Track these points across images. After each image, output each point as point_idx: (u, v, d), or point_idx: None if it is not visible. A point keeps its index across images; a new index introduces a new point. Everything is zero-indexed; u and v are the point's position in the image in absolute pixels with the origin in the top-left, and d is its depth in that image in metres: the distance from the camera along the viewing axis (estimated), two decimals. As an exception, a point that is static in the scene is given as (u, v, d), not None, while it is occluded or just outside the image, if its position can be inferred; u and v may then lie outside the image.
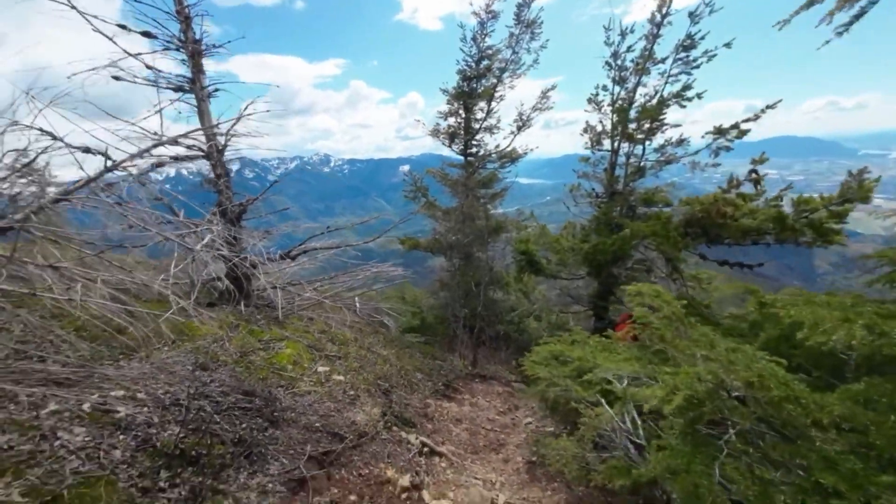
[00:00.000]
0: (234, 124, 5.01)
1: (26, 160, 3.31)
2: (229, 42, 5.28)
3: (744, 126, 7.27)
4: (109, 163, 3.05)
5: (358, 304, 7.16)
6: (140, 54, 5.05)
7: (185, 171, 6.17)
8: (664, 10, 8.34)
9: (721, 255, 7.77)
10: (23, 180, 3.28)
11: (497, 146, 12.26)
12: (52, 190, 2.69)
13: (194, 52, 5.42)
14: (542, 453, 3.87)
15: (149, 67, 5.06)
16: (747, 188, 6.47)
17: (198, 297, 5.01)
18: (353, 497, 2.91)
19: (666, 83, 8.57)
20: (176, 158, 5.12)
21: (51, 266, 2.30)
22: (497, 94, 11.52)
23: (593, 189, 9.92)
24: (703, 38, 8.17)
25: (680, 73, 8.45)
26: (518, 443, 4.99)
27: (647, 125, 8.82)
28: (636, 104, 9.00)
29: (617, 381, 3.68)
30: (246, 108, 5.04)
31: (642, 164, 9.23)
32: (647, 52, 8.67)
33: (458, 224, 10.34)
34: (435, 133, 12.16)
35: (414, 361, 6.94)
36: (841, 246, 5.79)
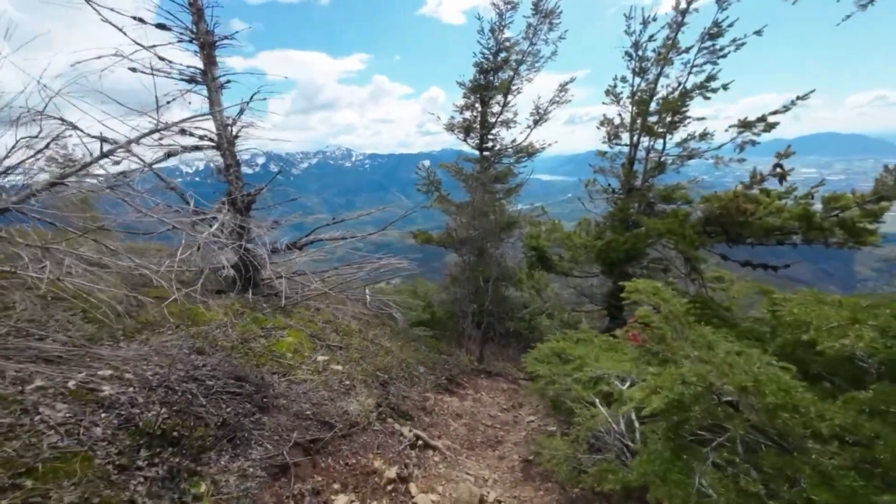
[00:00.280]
0: (241, 113, 5.06)
1: (40, 146, 3.46)
2: (237, 32, 5.34)
3: (772, 119, 6.83)
4: (106, 147, 3.13)
5: (368, 296, 7.20)
6: (154, 46, 5.17)
7: (212, 164, 6.26)
8: (690, -3, 7.93)
9: (745, 256, 7.37)
10: (39, 164, 3.44)
11: (513, 140, 12.06)
12: (44, 176, 2.77)
13: (206, 44, 5.51)
14: (537, 452, 3.77)
15: (161, 59, 5.18)
16: (772, 184, 6.08)
17: (206, 284, 5.14)
18: (336, 486, 2.90)
19: (689, 74, 8.16)
20: (186, 148, 5.25)
21: (42, 247, 2.38)
22: (514, 88, 11.31)
23: (609, 185, 9.59)
24: (731, 25, 7.72)
25: (705, 62, 8.03)
26: (517, 440, 4.89)
27: (668, 118, 8.44)
28: (657, 96, 8.62)
29: (618, 381, 3.54)
30: (252, 98, 5.08)
31: (662, 159, 8.85)
32: (670, 42, 8.28)
33: (471, 219, 10.23)
34: (450, 127, 12.06)
35: (418, 355, 6.92)
36: (875, 247, 5.37)
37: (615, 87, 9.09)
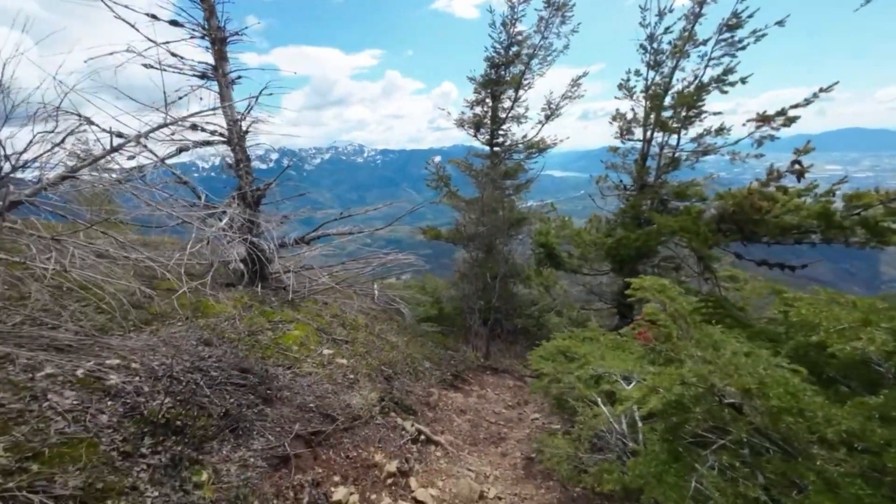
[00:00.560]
0: (249, 109, 5.11)
1: (57, 140, 3.56)
2: (247, 28, 5.37)
3: (792, 113, 6.59)
4: (117, 142, 3.19)
5: (376, 291, 7.24)
6: (167, 42, 5.25)
7: (224, 160, 6.35)
8: (708, -13, 7.68)
9: (762, 255, 7.16)
10: (58, 158, 3.54)
11: (524, 136, 11.93)
12: (55, 171, 2.85)
13: (217, 39, 5.57)
14: (539, 450, 3.75)
15: (174, 55, 5.26)
16: (791, 181, 5.87)
17: (215, 277, 5.23)
18: (336, 478, 2.93)
19: (706, 67, 7.93)
20: (197, 143, 5.33)
21: (51, 238, 2.45)
22: (525, 82, 11.17)
23: (621, 181, 9.41)
24: (751, 16, 7.46)
25: (723, 55, 7.78)
26: (520, 438, 4.87)
27: (683, 113, 8.22)
28: (672, 90, 8.40)
29: (622, 380, 3.48)
30: (260, 94, 5.13)
31: (676, 154, 8.64)
32: (686, 33, 8.05)
33: (480, 215, 10.18)
34: (461, 123, 11.99)
35: (424, 350, 6.93)
36: (900, 247, 5.15)
37: (628, 80, 8.90)
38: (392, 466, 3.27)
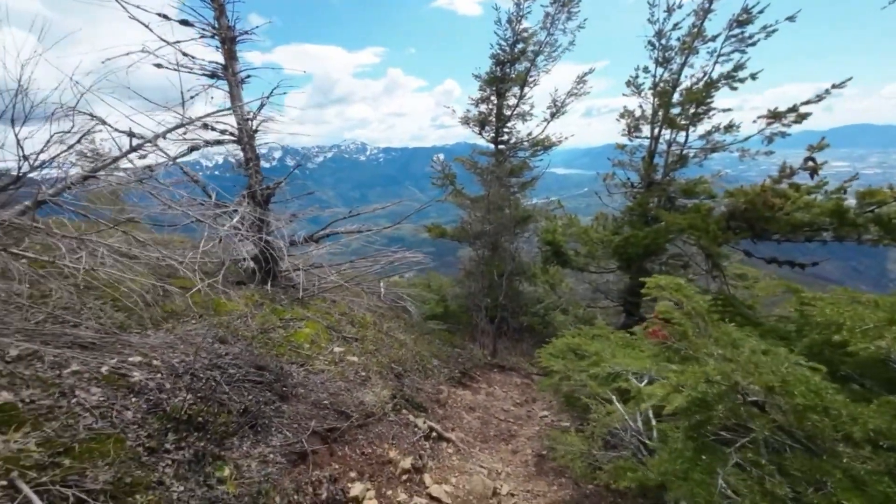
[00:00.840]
0: (261, 108, 5.13)
1: (72, 141, 3.59)
2: (257, 27, 5.38)
3: (803, 109, 6.54)
4: (135, 142, 3.22)
5: (383, 289, 7.27)
6: (178, 42, 5.27)
7: (232, 159, 6.38)
8: (718, -18, 7.61)
9: (771, 253, 7.12)
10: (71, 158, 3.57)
11: (529, 133, 11.91)
12: (76, 169, 2.88)
13: (227, 39, 5.59)
14: (551, 447, 3.76)
15: (185, 55, 5.29)
16: (801, 179, 5.83)
17: (227, 275, 5.27)
18: (353, 474, 2.97)
19: (716, 63, 7.87)
20: (208, 143, 5.37)
21: (77, 237, 2.48)
22: (531, 79, 11.13)
23: (628, 179, 9.38)
24: (761, 11, 7.40)
25: (733, 51, 7.72)
26: (530, 435, 4.90)
27: (691, 110, 8.18)
28: (681, 87, 8.35)
29: (636, 378, 3.49)
30: (272, 93, 5.15)
31: (684, 152, 8.59)
32: (695, 29, 7.99)
33: (485, 213, 10.18)
34: (466, 120, 11.98)
35: (432, 348, 6.96)
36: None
37: (636, 77, 8.84)
38: (406, 463, 3.30)
